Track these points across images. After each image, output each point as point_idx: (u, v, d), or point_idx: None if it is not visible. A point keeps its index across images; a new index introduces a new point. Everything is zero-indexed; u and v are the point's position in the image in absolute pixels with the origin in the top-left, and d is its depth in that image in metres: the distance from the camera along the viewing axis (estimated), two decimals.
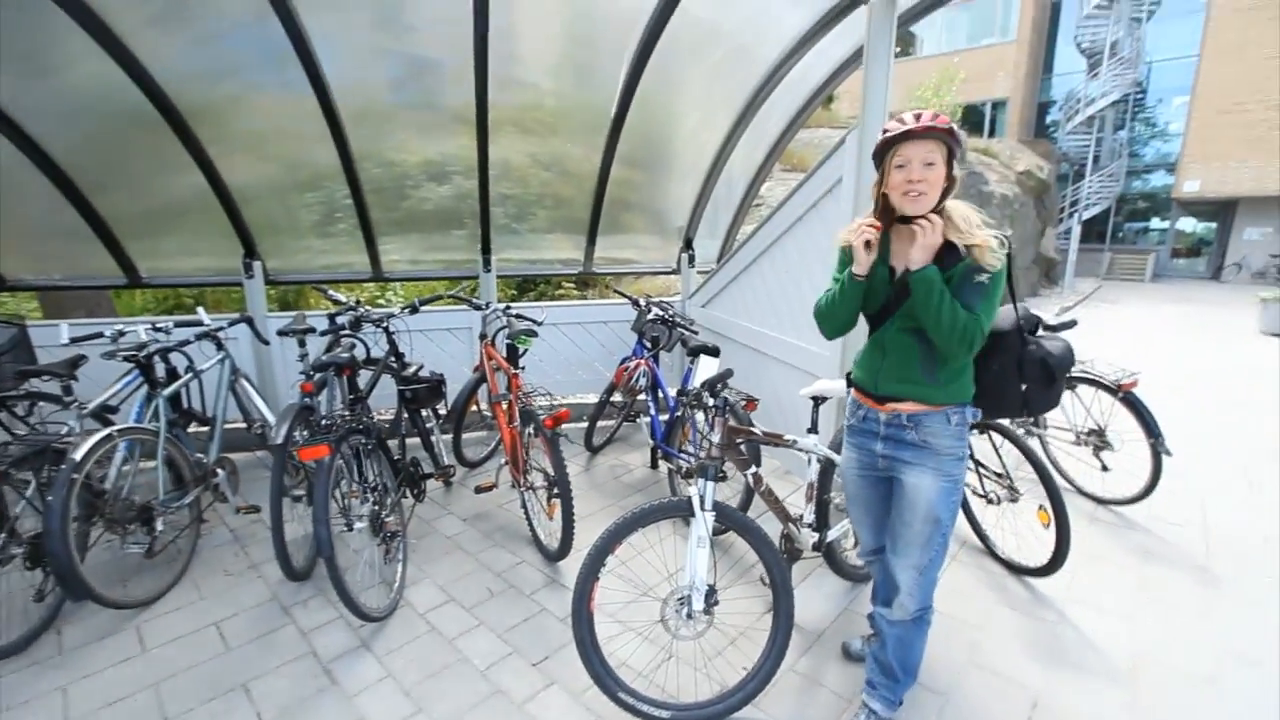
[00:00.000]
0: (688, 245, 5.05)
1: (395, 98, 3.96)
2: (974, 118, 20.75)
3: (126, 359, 2.85)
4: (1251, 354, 8.16)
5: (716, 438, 2.05)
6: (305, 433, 2.76)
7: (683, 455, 3.33)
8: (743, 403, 2.87)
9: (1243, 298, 13.16)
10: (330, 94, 3.52)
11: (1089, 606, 2.57)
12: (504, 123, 4.10)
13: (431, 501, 3.63)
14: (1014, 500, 2.76)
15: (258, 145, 3.94)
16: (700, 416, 2.20)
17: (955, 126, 1.58)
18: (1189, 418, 5.17)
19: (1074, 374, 3.40)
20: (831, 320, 1.82)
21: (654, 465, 4.04)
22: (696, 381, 2.04)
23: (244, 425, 3.68)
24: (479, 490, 3.38)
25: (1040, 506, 2.58)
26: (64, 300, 5.10)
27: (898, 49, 2.78)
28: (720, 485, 2.02)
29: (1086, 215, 18.40)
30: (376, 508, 2.61)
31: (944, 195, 1.62)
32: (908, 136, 1.56)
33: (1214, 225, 19.65)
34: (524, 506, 3.16)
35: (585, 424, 4.38)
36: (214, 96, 3.56)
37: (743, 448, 2.20)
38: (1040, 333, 1.91)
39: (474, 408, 4.06)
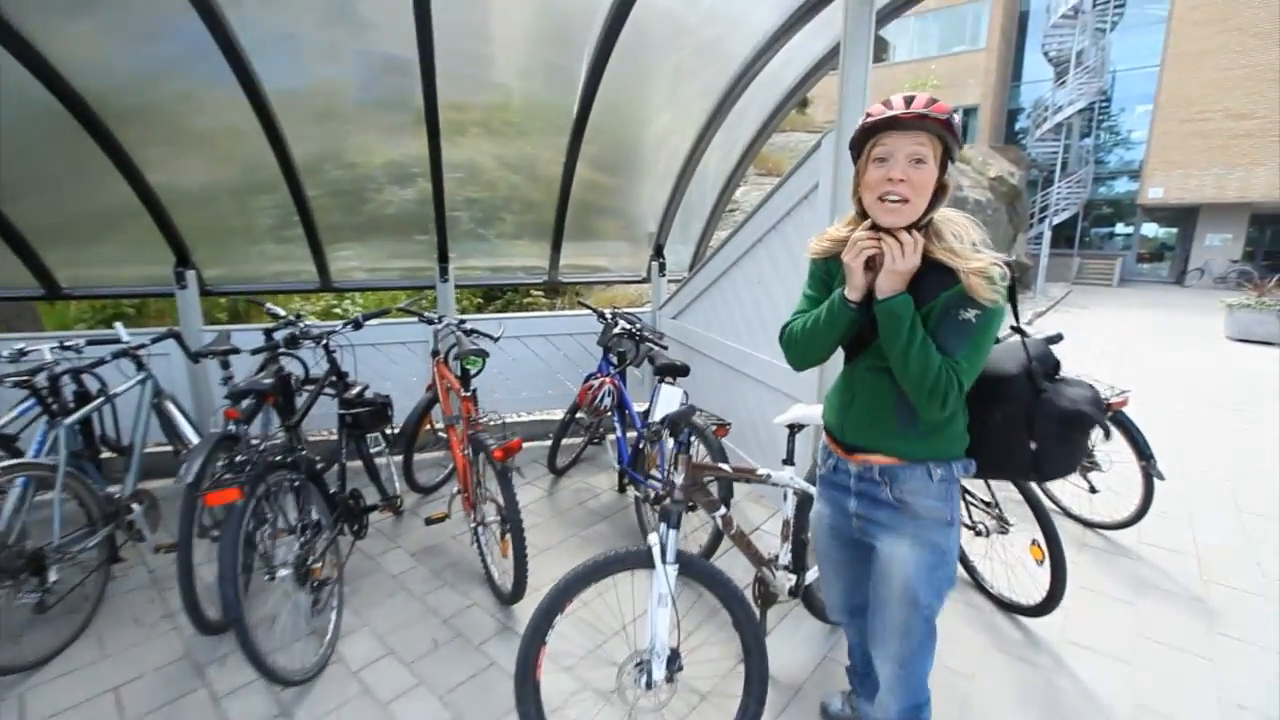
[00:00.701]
0: (658, 253, 4.82)
1: (353, 97, 3.67)
2: None
3: (17, 384, 2.52)
4: (1222, 360, 8.21)
5: (680, 479, 1.81)
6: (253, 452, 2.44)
7: (650, 482, 3.09)
8: (713, 428, 2.65)
9: (1207, 303, 13.40)
10: (263, 94, 3.23)
11: (1086, 649, 2.39)
12: (471, 124, 3.86)
13: (379, 533, 3.34)
14: (1004, 532, 2.57)
15: (190, 148, 3.62)
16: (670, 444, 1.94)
17: (955, 118, 1.25)
18: (1168, 430, 5.09)
19: None
20: (804, 349, 1.48)
21: (622, 489, 3.79)
22: (657, 414, 1.81)
23: (171, 449, 3.35)
24: (429, 521, 3.10)
25: (1033, 541, 2.39)
26: None
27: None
28: (689, 514, 1.79)
29: (1056, 221, 18.69)
30: (303, 552, 2.32)
31: (932, 204, 1.29)
32: (894, 124, 1.24)
33: (1175, 231, 20.13)
34: (477, 542, 2.88)
35: (549, 442, 4.11)
36: (137, 98, 3.26)
37: (710, 486, 1.96)
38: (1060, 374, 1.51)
39: (429, 425, 3.78)
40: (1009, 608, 2.59)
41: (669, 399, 1.79)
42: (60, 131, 3.15)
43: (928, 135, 1.24)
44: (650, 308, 4.89)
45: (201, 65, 3.08)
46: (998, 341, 1.47)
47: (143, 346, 3.11)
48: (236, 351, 2.80)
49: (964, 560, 2.80)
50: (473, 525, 2.82)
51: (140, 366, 3.10)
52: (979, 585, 2.74)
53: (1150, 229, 21.04)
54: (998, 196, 14.63)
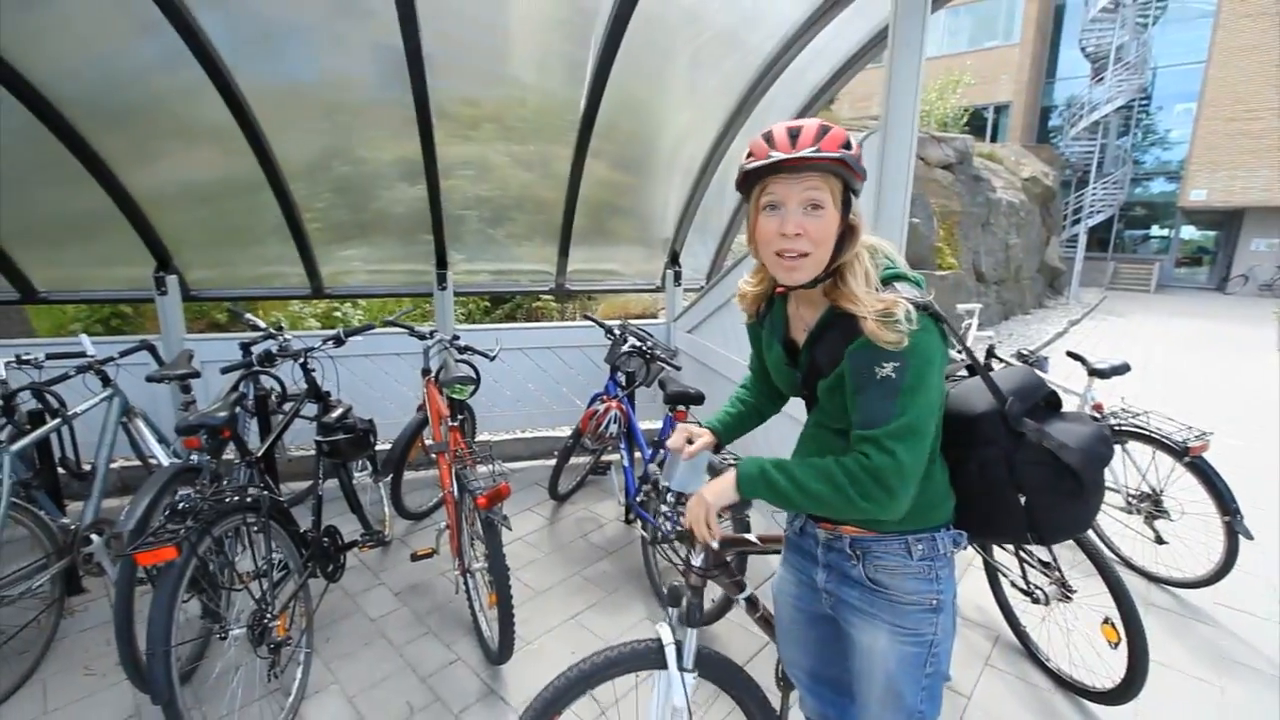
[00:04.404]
0: (673, 260, 4.49)
1: (343, 94, 3.36)
2: (977, 121, 20.27)
3: None
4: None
5: (698, 559, 1.48)
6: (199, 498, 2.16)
7: (660, 521, 2.76)
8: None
9: (1254, 312, 12.72)
10: (239, 94, 2.97)
11: None
12: (483, 119, 3.59)
13: (363, 566, 3.07)
14: (1066, 599, 2.21)
15: (169, 151, 3.38)
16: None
17: (854, 147, 1.06)
18: (1236, 462, 4.63)
19: (1124, 427, 2.86)
20: None
21: (629, 520, 3.48)
22: (674, 483, 1.46)
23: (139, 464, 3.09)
24: (415, 558, 2.81)
25: (1106, 620, 2.03)
26: None
27: None
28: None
29: (1091, 223, 17.93)
30: (261, 609, 2.04)
31: (839, 250, 1.11)
32: (778, 169, 1.06)
33: (1213, 234, 19.26)
34: (466, 588, 2.58)
35: (554, 460, 3.80)
36: (110, 103, 3.02)
37: (732, 564, 1.63)
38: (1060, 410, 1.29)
39: (421, 445, 3.49)
40: (1073, 688, 2.23)
41: (693, 471, 1.44)
42: (28, 134, 2.92)
43: (821, 176, 1.06)
44: (664, 318, 4.56)
45: (177, 68, 2.83)
46: (969, 375, 1.32)
47: (109, 360, 2.87)
48: (196, 375, 2.53)
49: (1016, 628, 2.45)
50: (457, 570, 2.52)
51: (106, 382, 2.85)
52: (1033, 657, 2.38)
53: (1188, 232, 20.17)
54: (1031, 198, 14.05)
